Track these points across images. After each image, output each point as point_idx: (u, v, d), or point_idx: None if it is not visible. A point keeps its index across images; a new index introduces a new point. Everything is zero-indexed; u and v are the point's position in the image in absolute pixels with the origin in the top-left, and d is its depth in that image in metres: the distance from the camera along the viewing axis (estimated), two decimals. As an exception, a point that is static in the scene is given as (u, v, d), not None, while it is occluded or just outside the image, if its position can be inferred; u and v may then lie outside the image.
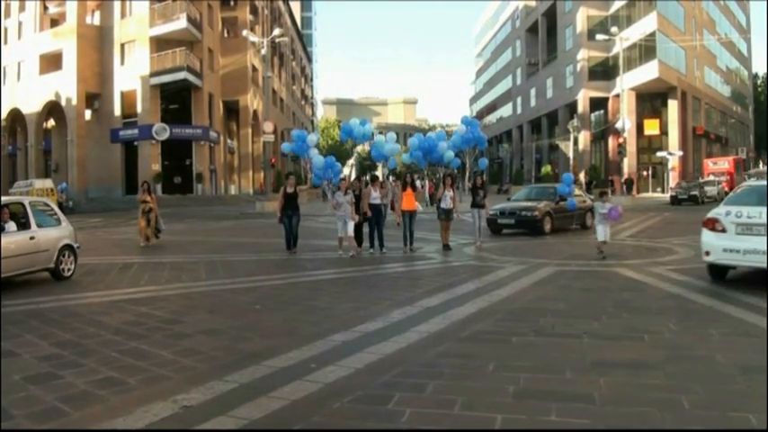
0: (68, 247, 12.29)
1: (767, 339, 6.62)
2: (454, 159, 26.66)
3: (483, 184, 16.98)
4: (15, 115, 49.97)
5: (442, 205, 16.00)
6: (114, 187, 47.40)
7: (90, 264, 14.34)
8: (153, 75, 45.78)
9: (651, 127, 53.86)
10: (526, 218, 19.51)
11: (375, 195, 15.67)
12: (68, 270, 12.25)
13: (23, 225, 11.32)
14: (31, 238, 11.24)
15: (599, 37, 47.40)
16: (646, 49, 50.63)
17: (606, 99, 56.72)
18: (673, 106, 52.84)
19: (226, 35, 56.60)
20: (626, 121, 43.09)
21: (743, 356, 6.22)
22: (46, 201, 13.84)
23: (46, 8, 51.34)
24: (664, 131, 53.60)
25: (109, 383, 5.65)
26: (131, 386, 5.59)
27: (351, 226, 14.99)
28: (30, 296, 10.33)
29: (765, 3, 62.00)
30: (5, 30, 50.70)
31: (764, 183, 10.73)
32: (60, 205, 40.14)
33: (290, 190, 15.47)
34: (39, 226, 11.60)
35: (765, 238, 9.26)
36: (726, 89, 72.83)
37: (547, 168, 59.04)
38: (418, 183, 16.86)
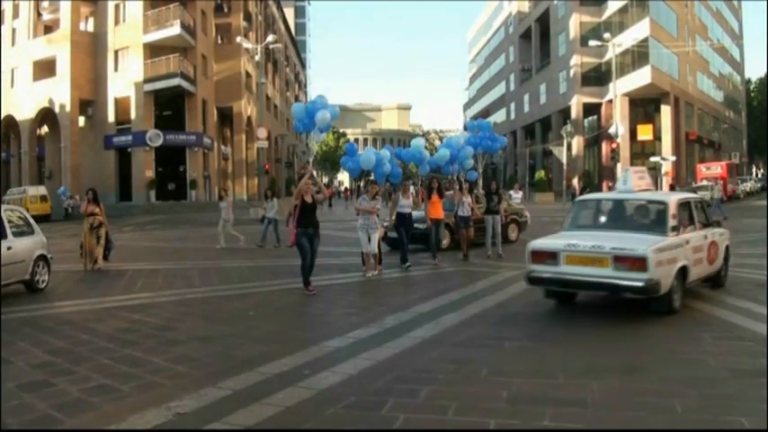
0: (42, 257, 11.72)
1: None
2: (471, 171, 22.74)
3: (498, 190, 16.61)
4: (9, 122, 49.76)
5: (460, 213, 15.18)
6: (108, 194, 46.95)
7: (82, 271, 14.30)
8: (147, 81, 45.67)
9: (644, 132, 54.01)
10: (418, 231, 15.72)
11: (404, 203, 14.02)
12: (43, 281, 11.67)
13: None
14: (8, 248, 10.55)
15: (592, 43, 47.42)
16: (639, 55, 50.83)
17: (599, 105, 56.86)
18: (666, 112, 53.04)
19: (219, 41, 56.54)
20: (619, 126, 43.14)
21: (735, 360, 6.25)
22: (19, 210, 12.90)
23: (40, 15, 51.21)
24: (657, 137, 53.76)
25: (102, 391, 5.64)
26: (125, 393, 5.58)
27: (375, 240, 12.83)
28: (22, 304, 10.29)
29: (766, 4, 62.11)
30: (-1, 36, 50.55)
31: None
32: (67, 211, 40.17)
33: (309, 199, 11.14)
34: (14, 235, 10.98)
35: None
36: (719, 94, 73.18)
37: (541, 174, 59.10)
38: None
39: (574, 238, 8.71)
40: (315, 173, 12.38)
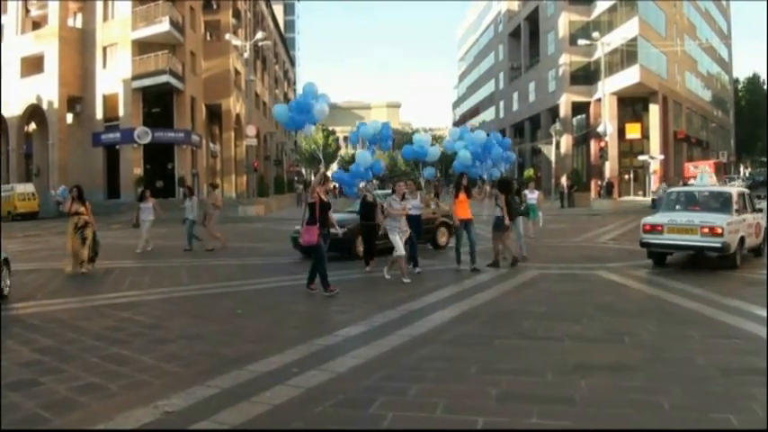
0: (6, 261, 10.69)
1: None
2: (492, 170, 20.31)
3: (519, 192, 16.07)
4: (-4, 118, 49.42)
5: (497, 214, 13.82)
6: (96, 191, 46.76)
7: (67, 272, 14.20)
8: (135, 78, 45.38)
9: (633, 131, 54.17)
10: (334, 236, 12.58)
11: (413, 204, 13.36)
12: (6, 286, 10.64)
13: None
14: None
15: (581, 42, 47.59)
16: (627, 54, 50.98)
17: (588, 103, 57.00)
18: (654, 111, 53.23)
19: (208, 38, 56.25)
20: (607, 125, 43.28)
21: (722, 358, 6.29)
22: None
23: (28, 11, 50.83)
24: (645, 135, 53.94)
25: (90, 389, 5.60)
26: (113, 392, 5.55)
27: (401, 242, 12.12)
28: (10, 302, 10.21)
29: (766, 4, 62.34)
30: (-14, 32, 50.11)
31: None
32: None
33: (325, 197, 10.85)
34: None
35: None
36: (707, 94, 73.53)
37: (529, 172, 59.21)
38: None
39: (671, 216, 12.71)
40: (329, 176, 11.63)
